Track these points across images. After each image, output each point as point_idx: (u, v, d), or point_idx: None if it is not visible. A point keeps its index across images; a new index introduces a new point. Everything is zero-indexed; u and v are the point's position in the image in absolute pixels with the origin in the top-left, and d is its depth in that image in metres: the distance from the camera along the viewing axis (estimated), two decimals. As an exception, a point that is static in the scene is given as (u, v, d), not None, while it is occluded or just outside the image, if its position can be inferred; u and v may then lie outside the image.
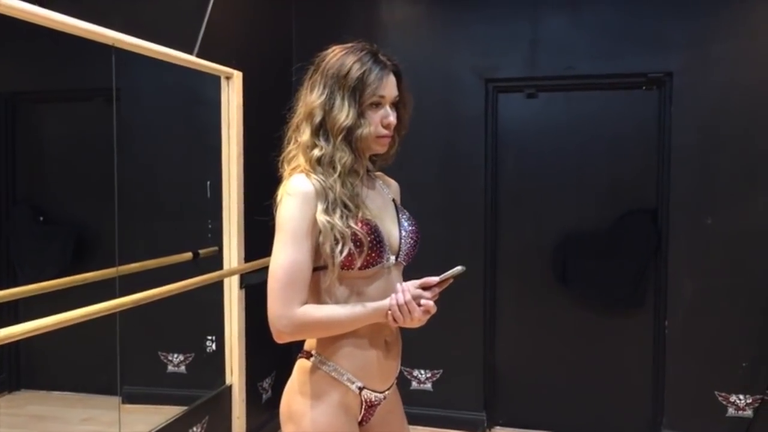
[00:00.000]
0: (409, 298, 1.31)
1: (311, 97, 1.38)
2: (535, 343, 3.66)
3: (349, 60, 1.37)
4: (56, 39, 2.11)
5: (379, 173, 1.58)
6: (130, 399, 3.48)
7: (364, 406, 1.43)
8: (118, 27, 2.31)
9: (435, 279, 1.33)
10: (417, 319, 1.32)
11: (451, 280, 1.35)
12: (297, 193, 1.32)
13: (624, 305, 3.49)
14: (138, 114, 3.50)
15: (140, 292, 2.31)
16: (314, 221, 1.31)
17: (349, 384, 1.39)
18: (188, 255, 3.03)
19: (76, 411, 3.36)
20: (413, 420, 3.61)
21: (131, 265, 2.61)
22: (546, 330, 3.63)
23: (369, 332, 1.39)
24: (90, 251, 3.14)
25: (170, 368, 3.53)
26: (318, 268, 1.35)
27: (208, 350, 3.32)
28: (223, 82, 2.98)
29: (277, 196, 1.37)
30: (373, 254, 1.35)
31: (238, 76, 3.00)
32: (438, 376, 3.67)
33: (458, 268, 1.33)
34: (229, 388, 3.08)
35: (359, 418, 1.44)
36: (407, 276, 1.45)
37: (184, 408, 2.86)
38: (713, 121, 3.28)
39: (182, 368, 3.54)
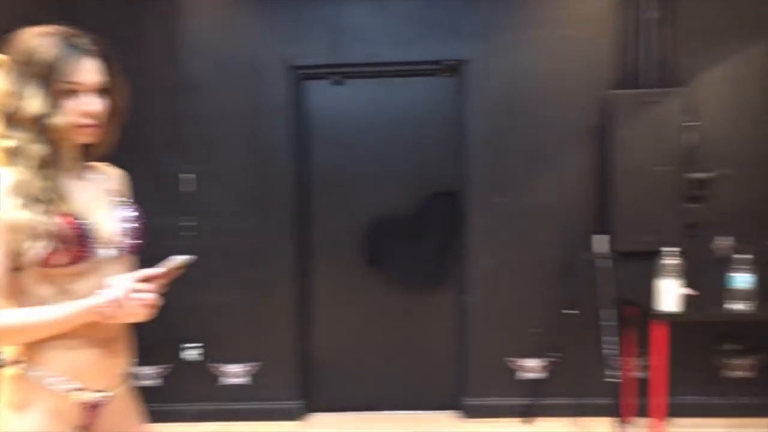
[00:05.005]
0: (120, 293, 1.24)
1: (2, 86, 1.27)
2: (350, 326, 3.71)
3: (38, 44, 1.26)
4: None
5: (99, 164, 1.47)
6: None
7: (85, 409, 1.34)
8: None
9: (157, 271, 1.29)
10: (134, 314, 1.26)
11: (180, 271, 1.31)
12: None
13: (429, 284, 3.64)
14: None
15: None
16: (8, 219, 1.21)
17: (60, 388, 1.30)
18: None
19: None
20: (227, 416, 3.58)
21: None
22: (359, 313, 3.69)
23: (82, 332, 1.30)
24: None
25: None
26: (19, 268, 1.25)
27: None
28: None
29: None
30: (78, 249, 1.26)
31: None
32: (258, 368, 3.60)
33: (183, 257, 1.30)
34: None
35: (83, 422, 1.35)
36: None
37: None
38: (502, 107, 3.48)
39: None
